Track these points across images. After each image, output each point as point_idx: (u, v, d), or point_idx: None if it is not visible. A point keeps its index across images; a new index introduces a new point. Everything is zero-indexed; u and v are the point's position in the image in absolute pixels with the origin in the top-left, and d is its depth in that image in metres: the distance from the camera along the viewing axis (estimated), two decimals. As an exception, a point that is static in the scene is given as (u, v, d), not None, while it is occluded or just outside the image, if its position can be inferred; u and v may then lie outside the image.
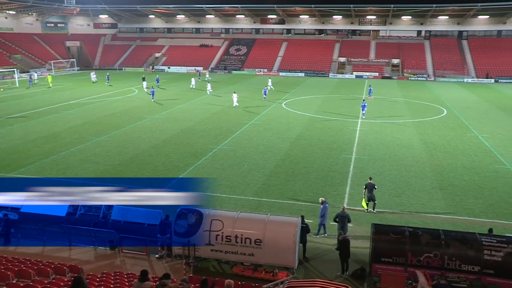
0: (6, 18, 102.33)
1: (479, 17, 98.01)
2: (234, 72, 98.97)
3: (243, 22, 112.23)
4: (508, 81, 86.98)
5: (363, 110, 47.40)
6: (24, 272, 14.98)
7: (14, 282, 14.20)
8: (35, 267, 15.60)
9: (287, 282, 15.08)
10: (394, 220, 22.18)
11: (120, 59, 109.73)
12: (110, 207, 22.40)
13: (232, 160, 32.00)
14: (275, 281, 16.12)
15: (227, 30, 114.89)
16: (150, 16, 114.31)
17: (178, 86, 73.03)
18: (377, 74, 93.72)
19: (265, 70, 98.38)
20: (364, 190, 23.61)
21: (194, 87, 69.81)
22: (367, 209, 23.39)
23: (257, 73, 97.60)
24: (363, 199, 23.51)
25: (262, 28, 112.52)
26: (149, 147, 34.92)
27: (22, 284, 13.77)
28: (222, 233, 17.74)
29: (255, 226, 17.85)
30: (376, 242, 17.28)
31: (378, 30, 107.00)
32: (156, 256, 18.62)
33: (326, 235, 20.73)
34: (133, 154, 33.19)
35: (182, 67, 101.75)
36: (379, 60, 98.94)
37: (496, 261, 16.21)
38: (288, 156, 33.15)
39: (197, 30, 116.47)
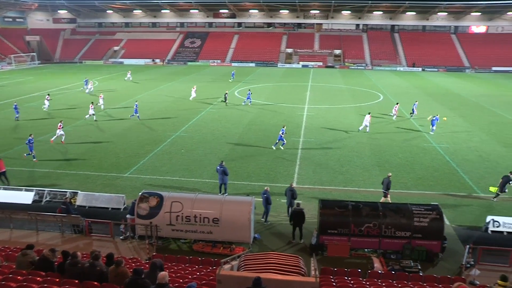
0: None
1: (407, 13, 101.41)
2: (189, 63, 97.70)
3: (197, 17, 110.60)
4: (432, 69, 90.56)
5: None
6: (-8, 258, 14.43)
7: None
8: (3, 253, 15.04)
9: (243, 256, 15.24)
10: (339, 196, 22.76)
11: (80, 53, 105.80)
12: (75, 193, 21.91)
13: (190, 145, 31.78)
14: (232, 255, 16.26)
15: (182, 24, 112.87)
16: (108, 11, 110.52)
17: (138, 79, 71.33)
18: (321, 63, 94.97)
19: (219, 61, 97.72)
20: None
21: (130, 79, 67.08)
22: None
23: (211, 64, 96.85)
24: None
25: (215, 22, 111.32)
26: (110, 136, 34.12)
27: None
28: (182, 213, 17.69)
29: (212, 206, 17.89)
30: (323, 216, 17.73)
31: (321, 24, 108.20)
32: (121, 237, 18.35)
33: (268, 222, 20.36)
34: (95, 143, 32.35)
35: (140, 59, 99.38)
36: (322, 51, 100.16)
37: (424, 226, 17.10)
38: (241, 140, 33.24)
39: (154, 24, 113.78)
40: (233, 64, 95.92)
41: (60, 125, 31.79)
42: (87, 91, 55.01)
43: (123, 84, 63.31)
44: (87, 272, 10.61)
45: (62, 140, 32.04)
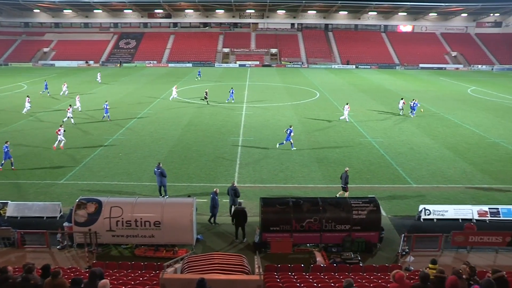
0: None
1: (340, 12, 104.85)
2: (125, 64, 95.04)
3: (131, 17, 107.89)
4: (365, 67, 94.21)
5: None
6: None
7: None
8: None
9: (186, 258, 15.09)
10: (279, 193, 23.03)
11: (5, 54, 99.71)
12: (4, 204, 20.66)
13: (128, 148, 30.93)
14: (176, 258, 16.04)
15: (115, 25, 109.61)
16: (35, 10, 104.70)
17: (69, 81, 68.30)
18: (258, 62, 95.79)
19: (155, 62, 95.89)
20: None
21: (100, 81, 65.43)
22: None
23: (147, 65, 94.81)
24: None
25: (150, 22, 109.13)
26: (42, 141, 32.49)
27: None
28: (122, 218, 17.18)
29: (153, 210, 17.53)
30: (264, 214, 17.88)
31: (257, 23, 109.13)
32: (58, 247, 17.50)
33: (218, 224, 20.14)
34: (28, 149, 30.68)
35: (72, 61, 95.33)
36: (259, 50, 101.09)
37: (362, 218, 17.72)
38: (180, 141, 32.83)
39: (86, 25, 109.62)
40: (170, 65, 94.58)
41: (59, 130, 30.63)
42: (61, 93, 52.91)
43: (57, 87, 60.43)
44: (19, 287, 10.02)
45: (61, 145, 30.72)
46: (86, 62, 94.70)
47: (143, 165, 27.51)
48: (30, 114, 41.10)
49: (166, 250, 17.43)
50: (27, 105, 42.25)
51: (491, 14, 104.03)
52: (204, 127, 37.10)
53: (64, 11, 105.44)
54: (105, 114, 39.68)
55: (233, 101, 48.73)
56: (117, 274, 13.47)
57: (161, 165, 22.57)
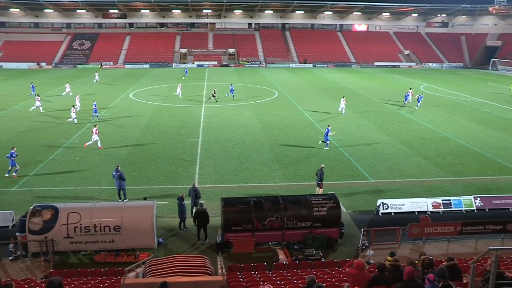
0: None
1: (297, 12, 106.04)
2: (79, 66, 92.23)
3: (84, 17, 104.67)
4: (322, 65, 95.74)
5: None
6: None
7: None
8: None
9: (148, 261, 14.88)
10: (240, 193, 23.07)
11: None
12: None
13: (84, 152, 30.10)
14: (137, 262, 15.78)
15: (68, 25, 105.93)
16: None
17: (17, 84, 65.63)
18: (216, 62, 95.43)
19: (111, 63, 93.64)
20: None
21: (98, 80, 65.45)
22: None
23: (103, 66, 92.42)
24: None
25: (105, 23, 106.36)
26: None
27: None
28: (81, 224, 16.72)
29: (113, 214, 17.17)
30: (226, 214, 17.88)
31: (215, 23, 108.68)
32: (10, 258, 16.76)
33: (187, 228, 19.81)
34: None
35: (23, 63, 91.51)
36: (217, 50, 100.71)
37: (323, 215, 18.03)
38: (139, 144, 32.28)
39: (36, 25, 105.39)
40: (126, 66, 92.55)
41: (95, 130, 31.03)
42: (63, 93, 52.02)
43: (6, 89, 58.00)
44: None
45: (99, 145, 30.99)
46: (38, 64, 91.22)
47: (101, 168, 26.88)
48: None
49: (127, 254, 17.13)
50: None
51: (439, 15, 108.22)
52: (163, 129, 36.63)
53: (11, 9, 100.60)
54: (94, 114, 39.42)
55: (233, 97, 51.05)
56: (76, 282, 13.09)
57: (119, 168, 22.14)
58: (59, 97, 50.91)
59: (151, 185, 24.47)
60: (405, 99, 48.84)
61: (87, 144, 30.94)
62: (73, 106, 39.77)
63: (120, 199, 21.79)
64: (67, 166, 27.33)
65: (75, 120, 38.06)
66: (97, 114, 39.76)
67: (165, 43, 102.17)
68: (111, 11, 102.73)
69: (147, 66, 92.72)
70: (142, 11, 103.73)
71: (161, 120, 39.66)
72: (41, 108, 42.59)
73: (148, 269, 13.95)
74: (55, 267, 15.97)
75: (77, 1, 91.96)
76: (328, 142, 31.38)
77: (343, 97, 45.08)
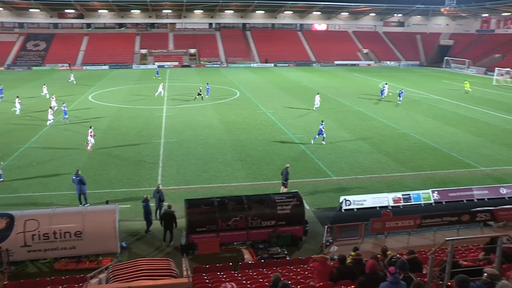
0: None
1: (257, 12, 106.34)
2: (34, 68, 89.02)
3: (38, 17, 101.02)
4: (283, 65, 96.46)
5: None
6: None
7: None
8: None
9: (111, 267, 14.56)
10: (204, 193, 22.91)
11: None
12: None
13: (42, 157, 29.14)
14: (100, 268, 15.41)
15: (21, 25, 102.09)
16: None
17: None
18: (177, 63, 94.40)
19: (68, 65, 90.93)
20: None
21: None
22: None
23: (60, 68, 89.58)
24: None
25: (61, 23, 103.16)
26: None
27: None
28: (39, 232, 16.17)
29: (73, 219, 16.72)
30: (190, 215, 17.75)
31: (175, 23, 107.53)
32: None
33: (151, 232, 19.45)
34: None
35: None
36: (177, 50, 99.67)
37: (287, 213, 18.18)
38: (99, 147, 31.50)
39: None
40: (84, 67, 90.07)
41: (91, 132, 30.74)
42: (41, 94, 51.47)
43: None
44: None
45: (91, 146, 30.89)
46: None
47: (61, 173, 26.10)
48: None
49: (90, 260, 16.72)
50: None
51: (395, 15, 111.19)
52: (124, 131, 35.94)
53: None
54: (65, 116, 38.56)
55: (207, 96, 51.69)
56: (35, 292, 12.67)
57: (79, 172, 21.58)
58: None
59: (113, 188, 23.97)
60: (382, 94, 52.22)
61: (90, 147, 30.77)
62: (50, 107, 39.09)
63: (81, 204, 21.24)
64: (24, 172, 26.37)
65: (52, 122, 37.73)
66: (67, 116, 38.82)
67: (125, 43, 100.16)
68: (67, 11, 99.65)
69: (106, 67, 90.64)
70: (100, 11, 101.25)
71: (122, 122, 38.90)
72: (18, 110, 41.98)
73: (111, 274, 13.66)
74: (10, 279, 15.31)
75: (30, 0, 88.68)
76: (324, 136, 32.60)
77: (318, 94, 46.94)
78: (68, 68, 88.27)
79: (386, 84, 54.68)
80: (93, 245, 16.68)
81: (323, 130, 32.39)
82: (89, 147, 30.79)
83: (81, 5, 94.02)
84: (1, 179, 24.84)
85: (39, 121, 38.79)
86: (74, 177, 21.50)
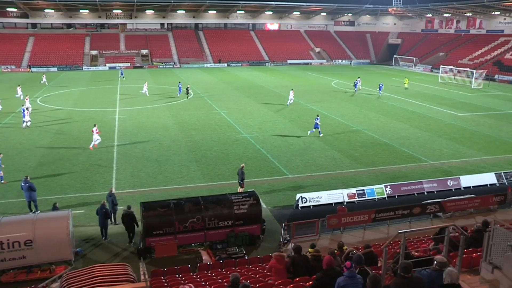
0: None
1: (209, 11, 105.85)
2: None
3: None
4: (237, 64, 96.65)
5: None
6: None
7: None
8: None
9: (65, 275, 14.11)
10: (160, 196, 22.55)
11: None
12: None
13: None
14: (53, 277, 14.89)
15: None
16: None
17: None
18: (129, 64, 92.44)
19: (13, 67, 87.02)
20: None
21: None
22: None
23: (3, 70, 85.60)
24: None
25: (3, 22, 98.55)
26: None
27: None
28: (-16, 242, 15.42)
29: (23, 228, 16.03)
30: (146, 218, 17.47)
31: (126, 24, 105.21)
32: None
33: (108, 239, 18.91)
34: None
35: None
36: (129, 51, 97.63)
37: (244, 212, 18.25)
38: (50, 151, 30.45)
39: None
40: (32, 69, 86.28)
41: (96, 130, 31.00)
42: (16, 96, 50.48)
43: None
44: None
45: (93, 144, 31.04)
46: None
47: (8, 180, 24.95)
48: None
49: (41, 270, 16.11)
50: None
51: (346, 14, 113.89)
52: (75, 134, 34.86)
53: None
54: (24, 120, 37.30)
55: (178, 95, 53.23)
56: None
57: (29, 179, 20.77)
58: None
59: (65, 194, 23.21)
60: (355, 87, 56.82)
61: (92, 146, 30.88)
62: (27, 109, 38.27)
63: (31, 211, 20.43)
64: (-33, 180, 25.09)
65: (29, 124, 36.92)
66: (29, 119, 37.40)
67: (74, 44, 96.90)
68: (8, 9, 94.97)
69: (55, 69, 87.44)
70: (46, 10, 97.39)
71: (73, 126, 37.71)
72: None
73: (65, 283, 13.25)
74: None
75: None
76: (319, 129, 34.54)
77: (292, 89, 49.47)
78: (28, 69, 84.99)
79: (359, 78, 59.50)
80: (45, 253, 16.07)
81: (319, 124, 34.43)
82: (90, 146, 30.91)
83: (25, 4, 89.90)
84: (3, 181, 24.55)
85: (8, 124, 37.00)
86: (23, 184, 20.67)
